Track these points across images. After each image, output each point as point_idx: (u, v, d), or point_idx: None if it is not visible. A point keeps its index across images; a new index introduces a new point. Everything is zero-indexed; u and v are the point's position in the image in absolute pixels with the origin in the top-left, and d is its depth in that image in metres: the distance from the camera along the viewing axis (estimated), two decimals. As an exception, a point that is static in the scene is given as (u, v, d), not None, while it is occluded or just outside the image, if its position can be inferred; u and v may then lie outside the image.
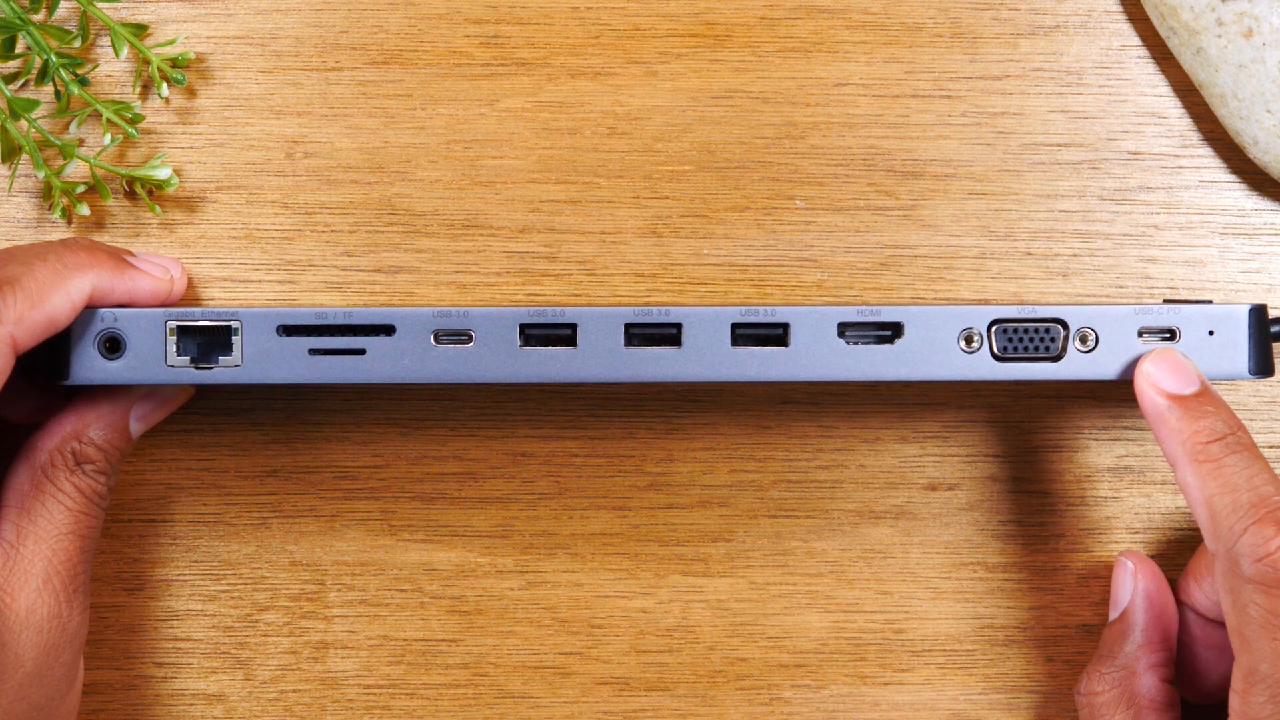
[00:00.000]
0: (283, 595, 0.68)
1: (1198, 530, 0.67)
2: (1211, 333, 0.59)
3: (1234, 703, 0.56)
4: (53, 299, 0.57)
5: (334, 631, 0.68)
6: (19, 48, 0.66)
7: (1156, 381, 0.58)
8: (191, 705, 0.68)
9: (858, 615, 0.68)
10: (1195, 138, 0.67)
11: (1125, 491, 0.67)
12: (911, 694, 0.68)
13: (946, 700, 0.68)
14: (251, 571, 0.68)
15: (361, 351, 0.59)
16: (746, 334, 0.59)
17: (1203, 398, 0.58)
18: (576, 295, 0.67)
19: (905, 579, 0.68)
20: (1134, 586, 0.62)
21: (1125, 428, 0.67)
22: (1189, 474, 0.57)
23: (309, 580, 0.68)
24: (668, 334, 0.59)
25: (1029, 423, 0.67)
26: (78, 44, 0.66)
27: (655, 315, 0.59)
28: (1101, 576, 0.67)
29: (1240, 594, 0.54)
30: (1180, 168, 0.67)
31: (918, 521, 0.67)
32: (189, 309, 0.59)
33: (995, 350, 0.59)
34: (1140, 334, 0.59)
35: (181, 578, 0.68)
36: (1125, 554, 0.63)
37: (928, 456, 0.67)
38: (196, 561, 0.68)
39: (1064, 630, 0.68)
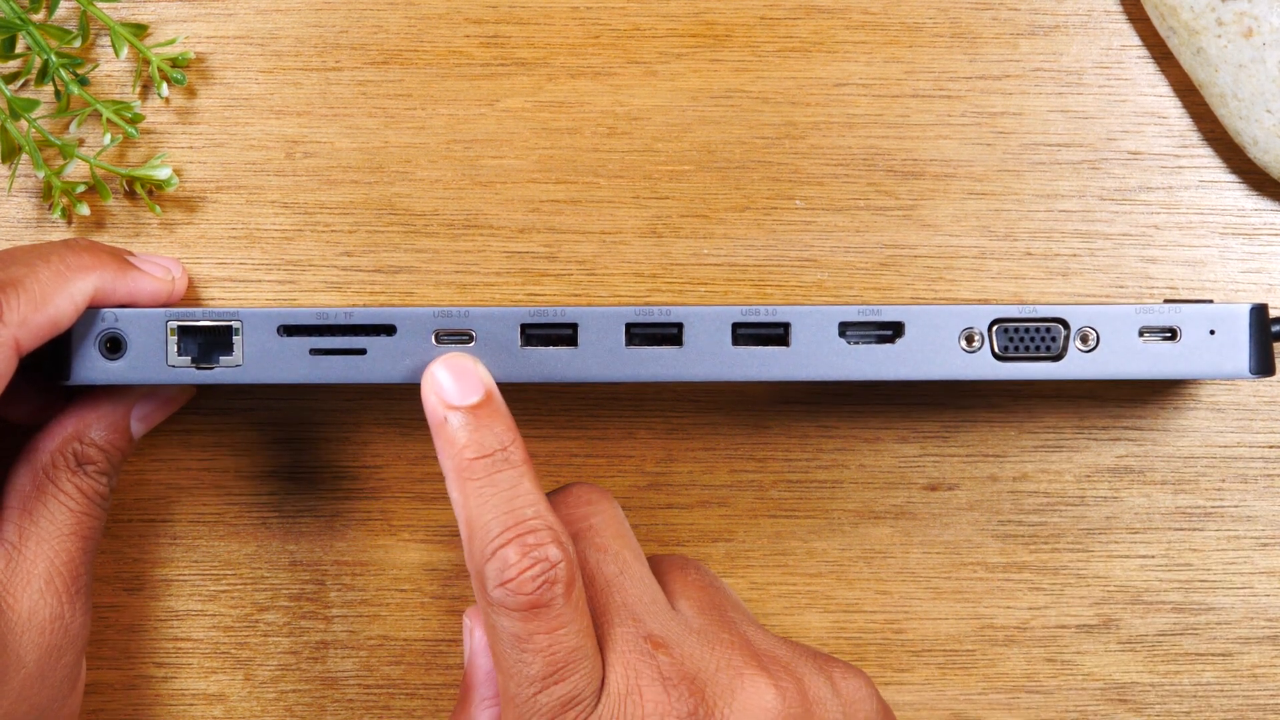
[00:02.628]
0: (283, 595, 0.68)
1: (1199, 531, 0.67)
2: (1213, 332, 0.59)
3: None
4: (56, 301, 0.57)
5: (334, 631, 0.68)
6: (19, 48, 0.66)
7: (440, 389, 0.57)
8: (191, 705, 0.68)
9: (858, 615, 0.68)
10: (1195, 138, 0.67)
11: (1125, 491, 0.67)
12: (911, 694, 0.68)
13: (946, 700, 0.68)
14: (251, 571, 0.68)
15: (362, 351, 0.59)
16: (747, 334, 0.59)
17: (481, 410, 0.56)
18: (576, 295, 0.67)
19: (905, 579, 0.68)
20: (470, 642, 0.61)
21: (1125, 428, 0.67)
22: (454, 490, 0.56)
23: (309, 580, 0.68)
24: (669, 334, 0.59)
25: (1029, 423, 0.67)
26: (78, 44, 0.66)
27: (656, 315, 0.59)
28: (1102, 576, 0.67)
29: (489, 615, 0.55)
30: (1180, 168, 0.67)
31: (918, 521, 0.67)
32: (190, 309, 0.59)
33: (996, 350, 0.59)
34: (1141, 333, 0.59)
35: (181, 578, 0.68)
36: (467, 612, 0.61)
37: (928, 456, 0.67)
38: (196, 561, 0.68)
39: (1064, 630, 0.68)
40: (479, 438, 0.56)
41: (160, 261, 0.64)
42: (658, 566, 0.61)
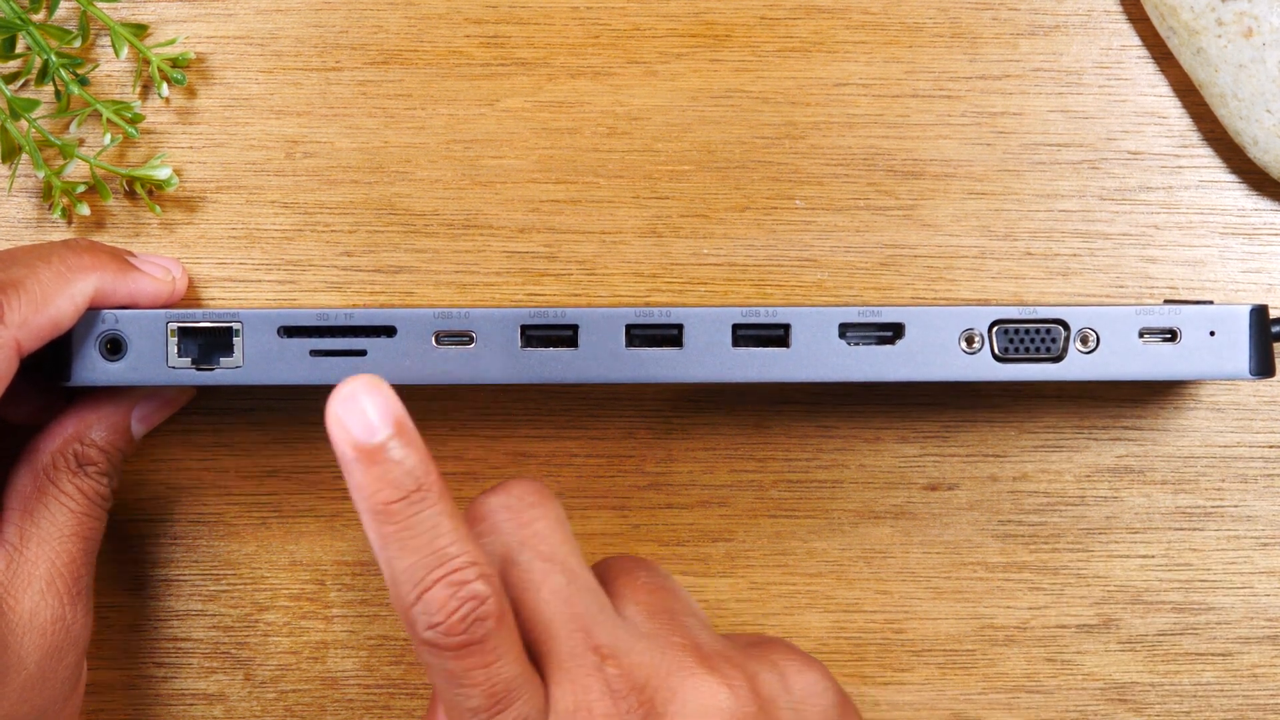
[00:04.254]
0: (283, 595, 0.68)
1: (1199, 531, 0.67)
2: (1213, 333, 0.59)
3: None
4: (56, 302, 0.57)
5: (334, 631, 0.68)
6: (19, 48, 0.66)
7: (345, 427, 0.51)
8: (191, 705, 0.68)
9: (858, 615, 0.68)
10: (1195, 138, 0.67)
11: (1125, 491, 0.67)
12: (911, 694, 0.68)
13: (946, 700, 0.68)
14: (251, 571, 0.68)
15: (363, 353, 0.59)
16: (748, 335, 0.59)
17: (390, 446, 0.52)
18: (576, 295, 0.67)
19: (905, 579, 0.68)
20: None
21: (1125, 428, 0.67)
22: (371, 533, 0.53)
23: (309, 580, 0.68)
24: (669, 335, 0.59)
25: (1029, 423, 0.67)
26: (78, 44, 0.66)
27: (656, 316, 0.59)
28: (1102, 576, 0.67)
29: (423, 655, 0.53)
30: (1180, 168, 0.67)
31: (918, 521, 0.67)
32: (190, 310, 0.59)
33: (996, 351, 0.59)
34: (1141, 335, 0.59)
35: (181, 578, 0.68)
36: None
37: (928, 456, 0.67)
38: (196, 561, 0.68)
39: (1064, 630, 0.68)
40: (392, 478, 0.52)
41: (160, 262, 0.64)
42: (607, 570, 0.60)
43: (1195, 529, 0.67)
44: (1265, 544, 0.67)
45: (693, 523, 0.68)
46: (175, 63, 0.66)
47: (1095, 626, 0.68)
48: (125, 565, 0.67)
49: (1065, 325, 0.59)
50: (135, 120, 0.66)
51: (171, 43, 0.66)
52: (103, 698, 0.68)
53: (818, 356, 0.59)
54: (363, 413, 0.52)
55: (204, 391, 0.66)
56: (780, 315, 0.59)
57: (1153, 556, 0.67)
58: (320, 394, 0.67)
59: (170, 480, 0.67)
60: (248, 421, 0.67)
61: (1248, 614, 0.68)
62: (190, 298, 0.66)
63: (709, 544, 0.68)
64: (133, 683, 0.68)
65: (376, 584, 0.68)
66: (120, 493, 0.67)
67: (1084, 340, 0.59)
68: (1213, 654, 0.68)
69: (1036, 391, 0.67)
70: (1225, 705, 0.68)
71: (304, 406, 0.67)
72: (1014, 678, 0.68)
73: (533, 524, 0.56)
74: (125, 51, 0.66)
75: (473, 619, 0.52)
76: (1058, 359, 0.59)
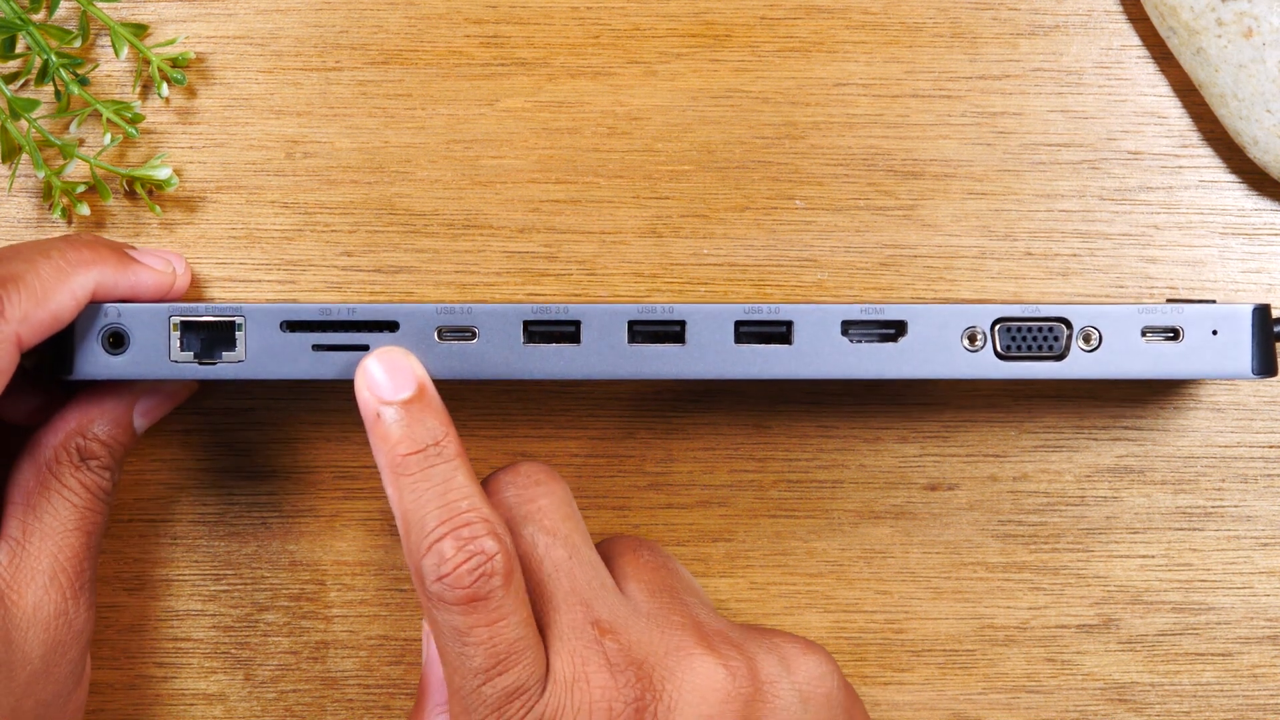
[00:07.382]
0: (283, 595, 0.68)
1: (1199, 531, 0.67)
2: (1215, 332, 0.59)
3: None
4: (57, 296, 0.57)
5: (334, 631, 0.68)
6: (19, 48, 0.66)
7: (373, 383, 0.57)
8: (191, 705, 0.68)
9: (858, 615, 0.68)
10: (1195, 138, 0.67)
11: (1125, 491, 0.67)
12: (911, 694, 0.68)
13: (946, 700, 0.68)
14: (251, 571, 0.68)
15: (365, 348, 0.59)
16: (750, 331, 0.59)
17: (414, 404, 0.56)
18: (576, 295, 0.67)
19: (905, 579, 0.68)
20: (428, 647, 0.61)
21: (1125, 428, 0.67)
22: (389, 486, 0.56)
23: (309, 580, 0.68)
24: (671, 331, 0.59)
25: (1029, 423, 0.67)
26: (78, 44, 0.66)
27: (659, 313, 0.59)
28: (1102, 576, 0.67)
29: (430, 610, 0.55)
30: (1180, 168, 0.67)
31: (918, 521, 0.67)
32: (193, 305, 0.59)
33: (998, 349, 0.59)
34: (1144, 333, 0.59)
35: (181, 578, 0.68)
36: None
37: (928, 456, 0.67)
38: (196, 561, 0.68)
39: (1064, 630, 0.68)
40: (412, 432, 0.56)
41: (161, 254, 0.63)
42: (611, 548, 0.61)
43: (1195, 529, 0.67)
44: (1265, 544, 0.67)
45: (693, 523, 0.68)
46: (175, 63, 0.66)
47: (1095, 626, 0.68)
48: (125, 565, 0.67)
49: (1068, 323, 0.59)
50: (135, 120, 0.66)
51: (171, 43, 0.66)
52: (103, 697, 0.68)
53: (820, 354, 0.59)
54: (389, 374, 0.57)
55: (205, 389, 0.66)
56: (783, 312, 0.59)
57: (1153, 556, 0.67)
58: (320, 392, 0.67)
59: (170, 480, 0.67)
60: (248, 421, 0.67)
61: (1248, 614, 0.68)
62: (190, 297, 0.66)
63: (709, 544, 0.68)
64: (133, 683, 0.68)
65: (376, 584, 0.68)
66: (121, 492, 0.67)
67: (1086, 339, 0.59)
68: (1213, 654, 0.68)
69: (1037, 391, 0.67)
70: (1225, 705, 0.68)
71: (304, 406, 0.67)
72: (1014, 678, 0.68)
73: (537, 500, 0.58)
74: (125, 51, 0.66)
75: (479, 573, 0.54)
76: (1060, 357, 0.59)
